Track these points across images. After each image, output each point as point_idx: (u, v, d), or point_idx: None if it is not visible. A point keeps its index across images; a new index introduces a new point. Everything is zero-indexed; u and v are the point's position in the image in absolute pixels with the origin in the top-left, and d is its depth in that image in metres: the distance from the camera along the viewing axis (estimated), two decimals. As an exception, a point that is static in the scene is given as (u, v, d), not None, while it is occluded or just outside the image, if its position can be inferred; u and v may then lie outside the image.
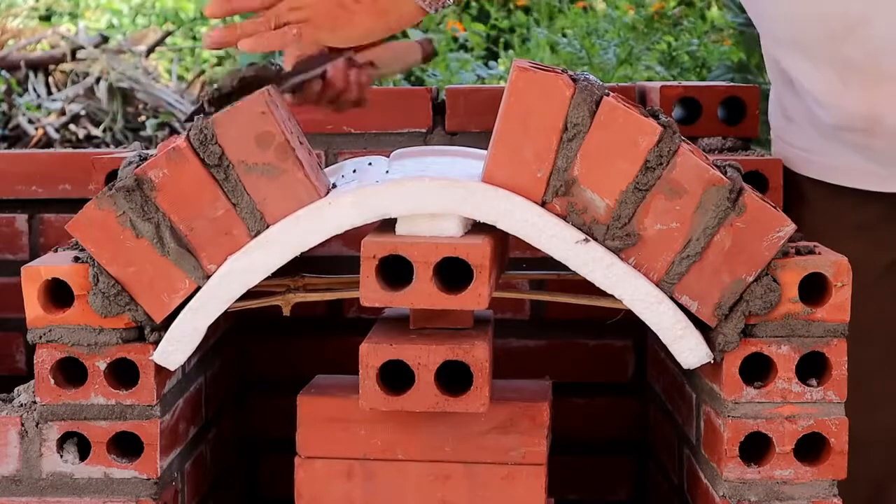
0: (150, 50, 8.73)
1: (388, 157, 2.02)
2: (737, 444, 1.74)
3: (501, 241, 1.83)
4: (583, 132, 1.68)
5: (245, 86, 1.75)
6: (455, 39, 5.12)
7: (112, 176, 2.02)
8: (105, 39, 8.23)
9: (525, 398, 1.82)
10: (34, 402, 1.78)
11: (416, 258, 1.67)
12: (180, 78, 8.80)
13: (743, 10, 3.75)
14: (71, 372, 1.77)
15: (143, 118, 7.51)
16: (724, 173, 1.71)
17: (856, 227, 2.09)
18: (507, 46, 5.24)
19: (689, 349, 1.73)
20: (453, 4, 1.74)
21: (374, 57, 1.84)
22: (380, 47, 1.85)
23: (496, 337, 1.89)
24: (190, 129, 1.72)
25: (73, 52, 7.91)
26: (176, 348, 1.75)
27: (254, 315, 2.08)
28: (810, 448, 1.75)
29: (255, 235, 1.73)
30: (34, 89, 7.68)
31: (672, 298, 1.72)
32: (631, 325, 1.90)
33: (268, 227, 1.72)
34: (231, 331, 2.24)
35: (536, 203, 1.71)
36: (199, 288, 1.74)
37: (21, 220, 2.47)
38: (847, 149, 2.06)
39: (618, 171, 1.69)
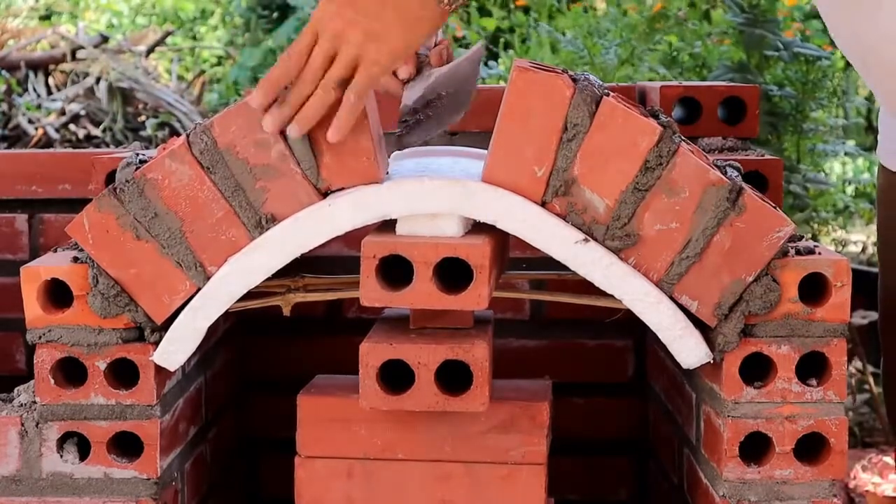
0: (150, 50, 8.73)
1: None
2: (737, 444, 1.74)
3: (501, 241, 1.83)
4: (582, 132, 1.68)
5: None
6: (456, 39, 5.12)
7: (112, 176, 2.02)
8: (105, 39, 8.23)
9: (525, 398, 1.82)
10: (34, 402, 1.78)
11: (416, 258, 1.67)
12: (180, 78, 8.80)
13: (743, 10, 3.74)
14: (71, 372, 1.77)
15: (143, 118, 7.51)
16: (724, 173, 1.71)
17: None
18: (508, 46, 5.23)
19: (688, 349, 1.73)
20: (463, 4, 1.72)
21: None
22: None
23: (496, 337, 1.89)
24: (189, 132, 1.72)
25: (73, 52, 7.91)
26: (176, 349, 1.75)
27: (254, 315, 2.08)
28: (810, 448, 1.75)
29: (255, 237, 1.73)
30: (34, 89, 7.68)
31: (672, 298, 1.72)
32: (631, 325, 1.90)
33: (268, 228, 1.72)
34: (231, 331, 2.24)
35: (536, 203, 1.71)
36: (199, 289, 1.74)
37: (21, 220, 2.47)
38: None
39: (617, 172, 1.69)
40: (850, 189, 5.59)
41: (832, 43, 4.79)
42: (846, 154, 4.27)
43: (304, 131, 1.68)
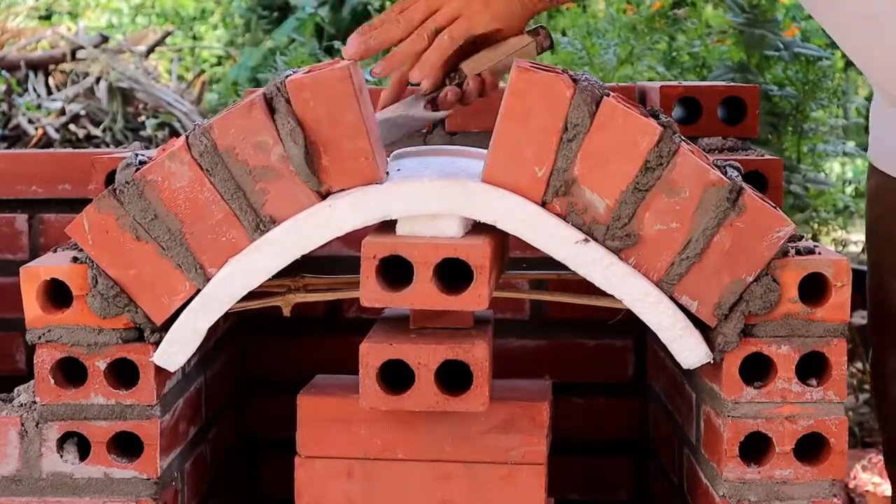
0: (150, 50, 8.73)
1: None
2: (737, 444, 1.74)
3: (501, 241, 1.83)
4: (583, 132, 1.68)
5: None
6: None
7: (112, 176, 2.02)
8: (105, 39, 8.24)
9: (525, 398, 1.82)
10: (34, 402, 1.78)
11: (417, 259, 1.67)
12: (180, 78, 8.81)
13: (744, 10, 3.74)
14: (71, 372, 1.77)
15: (143, 118, 7.51)
16: (724, 173, 1.71)
17: None
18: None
19: (688, 349, 1.73)
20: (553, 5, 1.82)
21: (490, 65, 1.87)
22: (491, 52, 1.87)
23: (496, 337, 1.89)
24: (189, 133, 1.72)
25: (73, 52, 7.91)
26: (176, 350, 1.75)
27: (254, 315, 2.08)
28: (810, 448, 1.75)
29: (255, 239, 1.73)
30: (34, 89, 7.69)
31: (672, 298, 1.72)
32: (631, 325, 1.90)
33: (268, 230, 1.72)
34: (231, 331, 2.24)
35: (536, 203, 1.71)
36: (199, 290, 1.74)
37: (21, 220, 2.47)
38: None
39: (618, 172, 1.69)
40: (849, 189, 5.59)
41: (832, 43, 4.79)
42: (846, 154, 4.26)
43: (389, 71, 1.76)
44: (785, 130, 3.77)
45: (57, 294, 1.76)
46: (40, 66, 7.89)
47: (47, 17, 10.78)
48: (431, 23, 1.74)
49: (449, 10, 1.75)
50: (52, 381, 1.76)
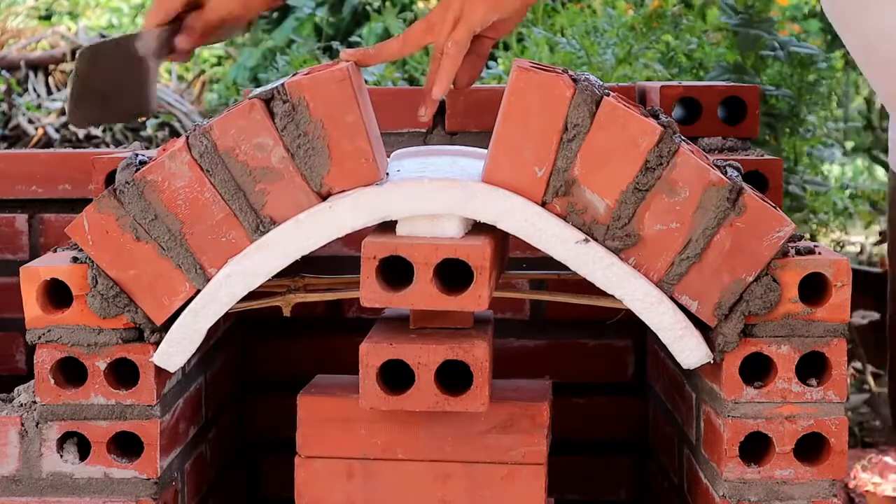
0: (150, 50, 8.70)
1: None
2: (737, 444, 1.74)
3: (501, 241, 1.83)
4: (583, 132, 1.68)
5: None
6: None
7: (112, 176, 2.02)
8: (105, 39, 8.22)
9: (525, 398, 1.82)
10: (34, 402, 1.78)
11: (417, 259, 1.67)
12: (180, 78, 8.80)
13: (737, 12, 3.73)
14: (71, 372, 1.77)
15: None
16: (724, 173, 1.71)
17: None
18: (506, 46, 5.24)
19: (689, 349, 1.73)
20: None
21: None
22: None
23: (496, 337, 1.89)
24: (189, 133, 1.72)
25: (73, 52, 7.90)
26: (176, 350, 1.75)
27: (254, 315, 2.08)
28: (810, 448, 1.75)
29: (255, 239, 1.73)
30: (34, 89, 7.68)
31: (672, 298, 1.72)
32: (631, 325, 1.90)
33: (268, 230, 1.72)
34: (231, 330, 2.24)
35: (536, 203, 1.71)
36: (199, 291, 1.74)
37: (21, 220, 2.47)
38: None
39: (618, 172, 1.69)
40: (848, 191, 5.59)
41: (831, 43, 4.78)
42: (844, 154, 4.26)
43: (433, 107, 1.80)
44: (782, 131, 3.77)
45: (57, 294, 1.76)
46: (40, 66, 7.88)
47: (47, 17, 10.77)
48: (441, 39, 1.77)
49: (449, 21, 1.77)
50: (52, 381, 1.76)
